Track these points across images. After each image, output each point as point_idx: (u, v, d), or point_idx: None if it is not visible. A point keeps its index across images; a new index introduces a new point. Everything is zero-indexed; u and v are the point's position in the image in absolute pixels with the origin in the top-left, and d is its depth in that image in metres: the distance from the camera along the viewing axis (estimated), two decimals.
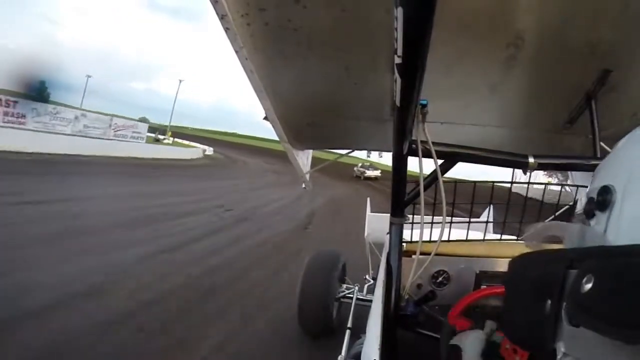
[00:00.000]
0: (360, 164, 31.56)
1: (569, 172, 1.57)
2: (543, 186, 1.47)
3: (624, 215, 0.37)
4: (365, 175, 28.70)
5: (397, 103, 0.60)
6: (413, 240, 1.18)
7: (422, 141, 0.85)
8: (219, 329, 2.84)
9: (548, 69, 0.95)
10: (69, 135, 15.68)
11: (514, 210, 1.39)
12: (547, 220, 1.34)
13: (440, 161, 0.89)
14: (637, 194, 0.37)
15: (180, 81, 46.02)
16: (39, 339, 2.32)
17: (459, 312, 0.86)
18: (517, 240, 1.37)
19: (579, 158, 1.00)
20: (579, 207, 0.48)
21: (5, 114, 13.48)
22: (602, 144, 1.02)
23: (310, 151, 1.81)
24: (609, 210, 0.39)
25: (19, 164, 9.19)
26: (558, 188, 1.42)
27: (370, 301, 1.17)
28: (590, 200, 0.42)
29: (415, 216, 1.13)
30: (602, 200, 0.40)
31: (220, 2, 0.67)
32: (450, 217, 1.14)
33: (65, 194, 6.68)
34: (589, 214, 0.42)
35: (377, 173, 29.36)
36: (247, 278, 4.02)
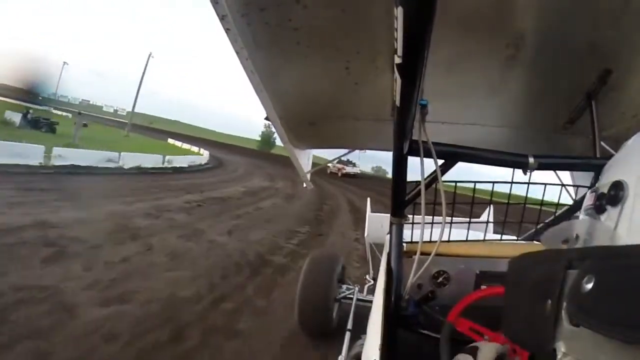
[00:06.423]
0: (336, 160, 31.04)
1: (569, 172, 1.57)
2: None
3: (637, 210, 0.37)
4: (344, 172, 27.97)
5: (397, 103, 0.60)
6: (413, 240, 1.18)
7: (422, 141, 0.84)
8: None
9: (548, 69, 0.94)
10: None
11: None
12: (547, 220, 1.34)
13: (440, 161, 0.89)
14: None
15: None
16: None
17: (459, 313, 0.86)
18: (517, 240, 1.37)
19: (580, 158, 1.00)
20: (585, 205, 0.47)
21: None
22: (602, 144, 1.01)
23: (311, 152, 1.81)
24: (621, 205, 0.39)
25: None
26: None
27: (371, 302, 1.17)
28: (600, 195, 0.42)
29: (415, 216, 1.12)
30: (614, 195, 0.39)
31: (221, 2, 0.67)
32: (450, 218, 1.13)
33: None
34: (599, 209, 0.42)
35: (356, 170, 29.56)
36: None
